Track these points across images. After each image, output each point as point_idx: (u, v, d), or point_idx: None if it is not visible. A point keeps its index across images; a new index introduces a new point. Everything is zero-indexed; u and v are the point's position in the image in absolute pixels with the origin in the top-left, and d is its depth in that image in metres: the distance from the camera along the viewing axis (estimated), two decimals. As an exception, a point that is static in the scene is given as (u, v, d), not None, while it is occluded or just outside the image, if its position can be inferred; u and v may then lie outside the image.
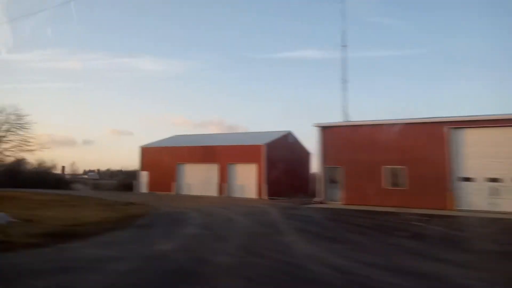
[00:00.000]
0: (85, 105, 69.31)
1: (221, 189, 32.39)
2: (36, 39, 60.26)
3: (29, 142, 24.90)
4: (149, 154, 36.75)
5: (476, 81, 76.78)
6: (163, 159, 35.39)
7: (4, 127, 24.68)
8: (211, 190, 32.51)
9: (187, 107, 75.19)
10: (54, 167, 56.21)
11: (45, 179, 51.36)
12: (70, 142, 70.32)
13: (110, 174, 71.19)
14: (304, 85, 73.98)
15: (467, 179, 20.19)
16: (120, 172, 63.38)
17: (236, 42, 73.67)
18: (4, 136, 24.60)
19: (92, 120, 67.99)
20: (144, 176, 36.49)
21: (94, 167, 79.18)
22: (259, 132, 37.19)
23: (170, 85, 70.19)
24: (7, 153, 24.92)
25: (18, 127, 24.67)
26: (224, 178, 32.46)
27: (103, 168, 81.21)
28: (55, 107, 70.63)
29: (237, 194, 31.58)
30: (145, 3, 68.09)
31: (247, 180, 31.50)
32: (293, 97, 76.70)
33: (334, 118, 35.50)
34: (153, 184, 35.73)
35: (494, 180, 19.41)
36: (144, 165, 36.79)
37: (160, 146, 37.09)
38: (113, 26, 69.15)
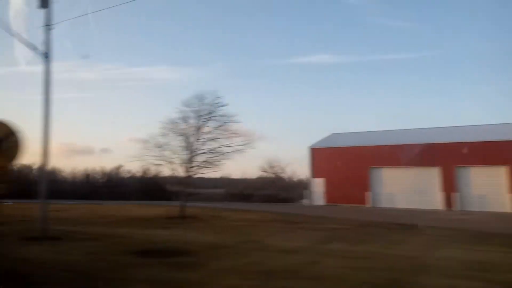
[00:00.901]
0: (102, 114, 66.14)
1: (448, 200, 24.31)
2: (54, 51, 57.85)
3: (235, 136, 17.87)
4: (323, 156, 29.25)
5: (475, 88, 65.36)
6: (347, 163, 27.82)
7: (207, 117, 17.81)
8: (429, 202, 24.48)
9: None
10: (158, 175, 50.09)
11: (150, 189, 45.50)
12: (89, 151, 66.93)
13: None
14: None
15: None
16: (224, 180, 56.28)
17: (250, 48, 67.50)
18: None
19: (110, 129, 64.88)
20: (319, 185, 29.01)
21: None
22: (499, 124, 28.53)
23: (185, 93, 66.51)
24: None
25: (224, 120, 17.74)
26: (450, 186, 24.36)
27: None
28: (73, 117, 67.52)
29: (474, 207, 23.39)
30: (158, 13, 63.61)
31: (490, 189, 23.28)
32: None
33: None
34: (332, 194, 28.20)
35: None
36: (317, 171, 29.32)
37: (339, 147, 29.48)
38: (128, 37, 65.53)
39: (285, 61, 69.68)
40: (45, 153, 10.67)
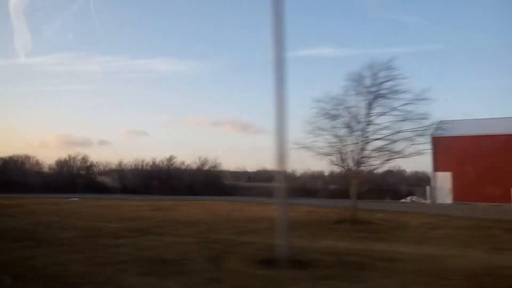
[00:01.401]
0: (101, 105, 63.16)
1: None
2: (53, 43, 55.32)
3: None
4: (450, 146, 24.80)
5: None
6: (482, 154, 23.41)
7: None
8: None
9: (202, 106, 66.46)
10: (216, 167, 46.00)
11: (211, 183, 41.55)
12: (86, 142, 64.09)
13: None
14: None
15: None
16: (264, 173, 51.43)
17: (251, 42, 62.67)
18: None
19: (108, 121, 61.99)
20: (445, 179, 24.64)
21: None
22: None
23: (185, 85, 62.49)
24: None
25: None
26: None
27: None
28: (72, 109, 64.49)
29: None
30: (159, 4, 59.33)
31: None
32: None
33: None
34: (461, 191, 23.85)
35: None
36: (440, 163, 24.92)
37: (471, 135, 24.96)
38: (129, 29, 61.86)
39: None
40: (282, 155, 6.63)
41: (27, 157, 43.37)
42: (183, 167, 46.67)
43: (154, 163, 46.85)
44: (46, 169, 43.65)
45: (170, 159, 47.05)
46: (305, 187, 35.56)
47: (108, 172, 44.91)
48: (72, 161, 43.80)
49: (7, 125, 56.49)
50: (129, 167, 46.20)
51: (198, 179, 42.75)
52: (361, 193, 17.96)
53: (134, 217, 14.15)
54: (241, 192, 38.98)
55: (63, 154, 53.74)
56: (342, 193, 22.20)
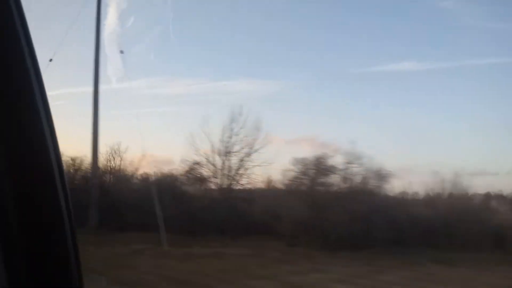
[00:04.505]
0: (185, 127, 61.75)
1: None
2: (140, 68, 56.04)
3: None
4: None
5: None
6: None
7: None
8: None
9: (281, 125, 62.61)
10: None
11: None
12: (169, 163, 62.07)
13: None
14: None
15: None
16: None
17: (328, 58, 58.75)
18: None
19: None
20: None
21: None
22: None
23: (263, 105, 59.70)
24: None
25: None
26: None
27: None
28: (158, 130, 63.73)
29: None
30: (233, 27, 57.82)
31: None
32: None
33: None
34: None
35: None
36: None
37: None
38: (208, 52, 60.74)
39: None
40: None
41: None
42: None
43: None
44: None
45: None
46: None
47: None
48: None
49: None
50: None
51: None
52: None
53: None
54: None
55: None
56: None
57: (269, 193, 19.34)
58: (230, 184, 17.83)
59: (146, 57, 53.98)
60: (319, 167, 15.71)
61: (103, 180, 18.50)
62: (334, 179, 16.02)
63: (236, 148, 17.79)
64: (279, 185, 18.69)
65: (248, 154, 17.69)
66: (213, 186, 18.30)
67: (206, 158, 17.79)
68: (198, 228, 14.34)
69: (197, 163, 17.75)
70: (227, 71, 68.18)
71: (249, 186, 18.36)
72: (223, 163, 17.74)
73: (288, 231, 13.90)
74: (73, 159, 17.85)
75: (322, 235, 13.28)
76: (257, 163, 17.70)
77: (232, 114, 17.83)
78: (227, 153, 17.76)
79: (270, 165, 17.68)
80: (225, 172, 17.70)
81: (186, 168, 17.80)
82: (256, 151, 17.62)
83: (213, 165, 17.81)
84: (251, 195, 17.95)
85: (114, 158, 19.34)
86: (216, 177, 17.97)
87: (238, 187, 18.02)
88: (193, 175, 17.86)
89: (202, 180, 18.20)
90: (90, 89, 16.08)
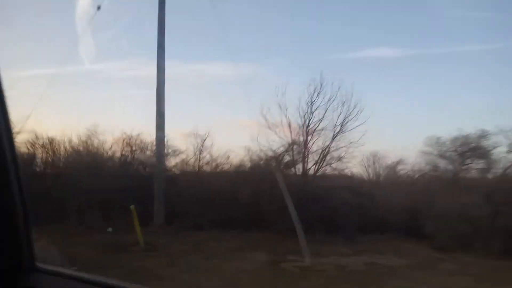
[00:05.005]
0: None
1: None
2: (114, 50, 53.63)
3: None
4: None
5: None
6: None
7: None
8: None
9: (254, 109, 56.72)
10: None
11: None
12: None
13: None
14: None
15: None
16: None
17: (304, 45, 51.20)
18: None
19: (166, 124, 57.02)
20: None
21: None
22: None
23: (238, 89, 53.97)
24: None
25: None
26: None
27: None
28: (131, 112, 61.41)
29: None
30: (210, 11, 52.91)
31: None
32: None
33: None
34: None
35: None
36: None
37: None
38: (184, 35, 56.82)
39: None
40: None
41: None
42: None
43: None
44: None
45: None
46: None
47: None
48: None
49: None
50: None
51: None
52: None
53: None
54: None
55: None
56: None
57: (376, 182, 14.64)
58: (317, 170, 13.59)
59: (121, 40, 51.89)
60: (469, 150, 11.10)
61: (169, 170, 14.86)
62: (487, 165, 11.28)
63: (324, 125, 13.58)
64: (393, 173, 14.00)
65: (341, 132, 13.32)
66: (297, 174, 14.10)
67: (291, 140, 13.65)
68: (333, 228, 10.10)
69: (293, 144, 13.39)
70: (201, 55, 64.81)
71: (346, 172, 13.97)
72: (309, 143, 13.60)
73: (437, 230, 9.13)
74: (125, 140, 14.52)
75: (501, 238, 8.36)
76: (353, 143, 13.25)
77: (314, 85, 13.61)
78: (313, 131, 13.61)
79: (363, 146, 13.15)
80: (316, 155, 13.52)
81: (275, 154, 13.54)
82: (350, 129, 13.35)
83: (300, 146, 13.65)
84: (357, 185, 13.34)
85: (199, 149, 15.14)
86: (302, 162, 13.83)
87: (333, 173, 13.67)
88: (284, 162, 13.52)
89: (289, 166, 14.02)
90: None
